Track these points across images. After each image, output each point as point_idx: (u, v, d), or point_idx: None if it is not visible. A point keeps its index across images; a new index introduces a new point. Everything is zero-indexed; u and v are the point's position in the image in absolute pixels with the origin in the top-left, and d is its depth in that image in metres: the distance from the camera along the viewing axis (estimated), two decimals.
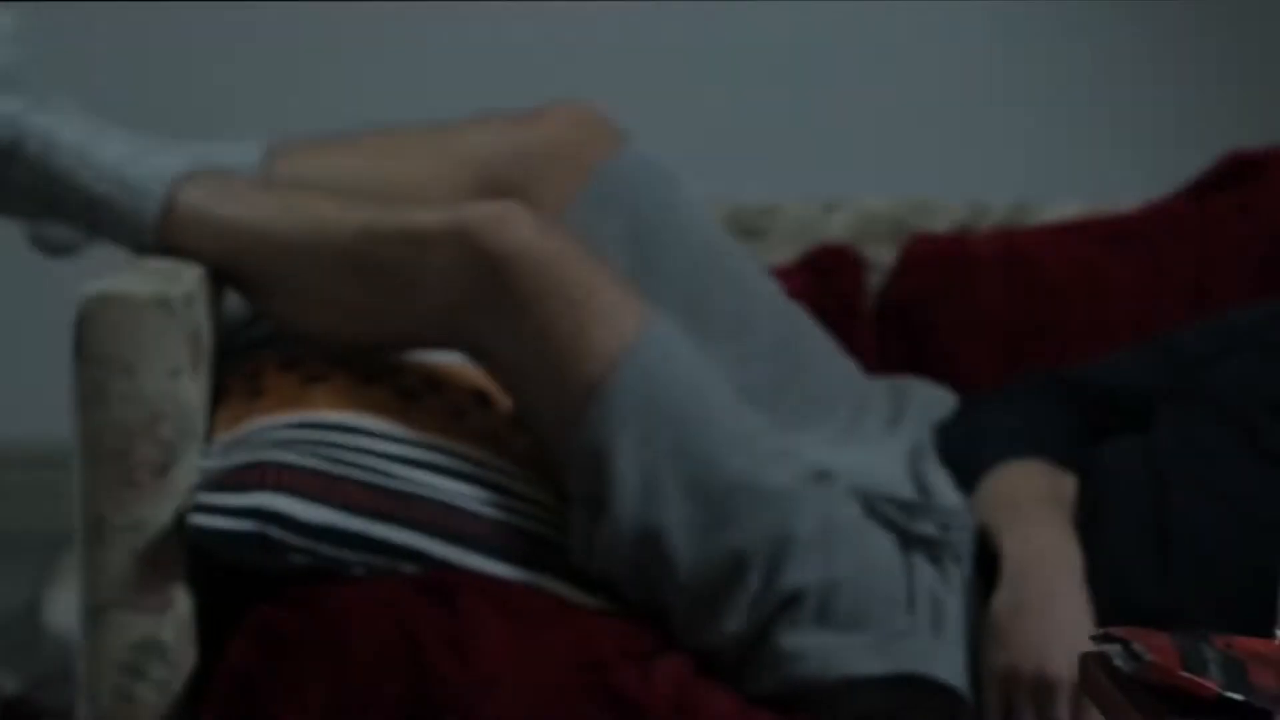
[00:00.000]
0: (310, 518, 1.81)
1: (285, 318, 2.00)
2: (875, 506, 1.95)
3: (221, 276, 2.00)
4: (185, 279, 1.88)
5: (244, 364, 2.03)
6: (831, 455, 2.05)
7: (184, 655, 1.84)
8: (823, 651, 1.86)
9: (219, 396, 2.00)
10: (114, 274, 1.86)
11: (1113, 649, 1.13)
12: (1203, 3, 2.69)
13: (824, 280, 2.38)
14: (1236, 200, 2.37)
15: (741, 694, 1.87)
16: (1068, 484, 2.00)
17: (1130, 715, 1.08)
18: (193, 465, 1.86)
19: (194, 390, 1.85)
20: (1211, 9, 2.69)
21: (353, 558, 1.83)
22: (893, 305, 2.39)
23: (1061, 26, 2.71)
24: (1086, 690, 1.16)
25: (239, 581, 1.87)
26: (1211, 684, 1.06)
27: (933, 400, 2.19)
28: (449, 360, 2.07)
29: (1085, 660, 1.16)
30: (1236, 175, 2.39)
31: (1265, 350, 2.09)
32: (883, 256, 2.44)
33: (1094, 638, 1.15)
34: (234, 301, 2.10)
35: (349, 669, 1.77)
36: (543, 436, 1.93)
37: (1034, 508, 1.93)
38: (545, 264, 1.86)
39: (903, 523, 1.94)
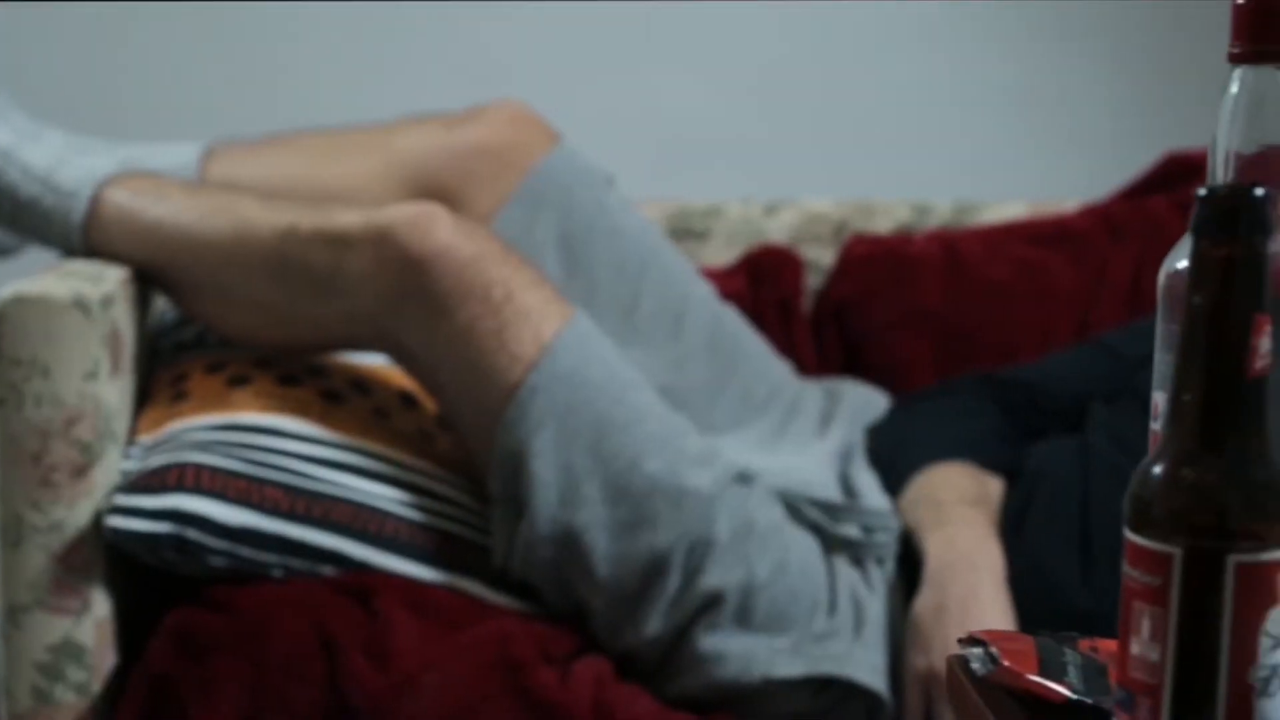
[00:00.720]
0: (228, 520, 1.80)
1: (210, 319, 2.00)
2: (799, 508, 1.94)
3: (148, 278, 2.00)
4: (106, 281, 1.88)
5: (171, 366, 2.03)
6: (760, 457, 2.05)
7: (103, 657, 1.83)
8: (742, 653, 1.86)
9: (145, 398, 2.00)
10: (33, 276, 1.86)
11: (973, 652, 1.12)
12: (1143, 4, 2.68)
13: (763, 281, 2.38)
14: (1175, 200, 2.36)
15: (662, 696, 1.86)
16: (995, 486, 1.99)
17: (985, 718, 1.08)
18: (113, 467, 1.86)
19: (113, 392, 1.85)
20: (1152, 10, 2.68)
21: (272, 560, 1.83)
22: (831, 306, 2.38)
23: (1004, 28, 2.71)
24: (950, 693, 1.16)
25: (162, 583, 1.87)
26: (1062, 688, 1.06)
27: (865, 402, 2.18)
28: (376, 362, 2.07)
29: (949, 663, 1.15)
30: (1175, 175, 2.39)
31: None
32: (825, 257, 2.44)
33: (960, 641, 1.15)
34: (166, 303, 2.10)
35: (265, 671, 1.77)
36: (464, 438, 1.93)
37: (958, 509, 1.93)
38: (464, 265, 1.86)
39: (826, 525, 1.94)
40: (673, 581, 1.85)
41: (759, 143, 2.65)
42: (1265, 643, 0.93)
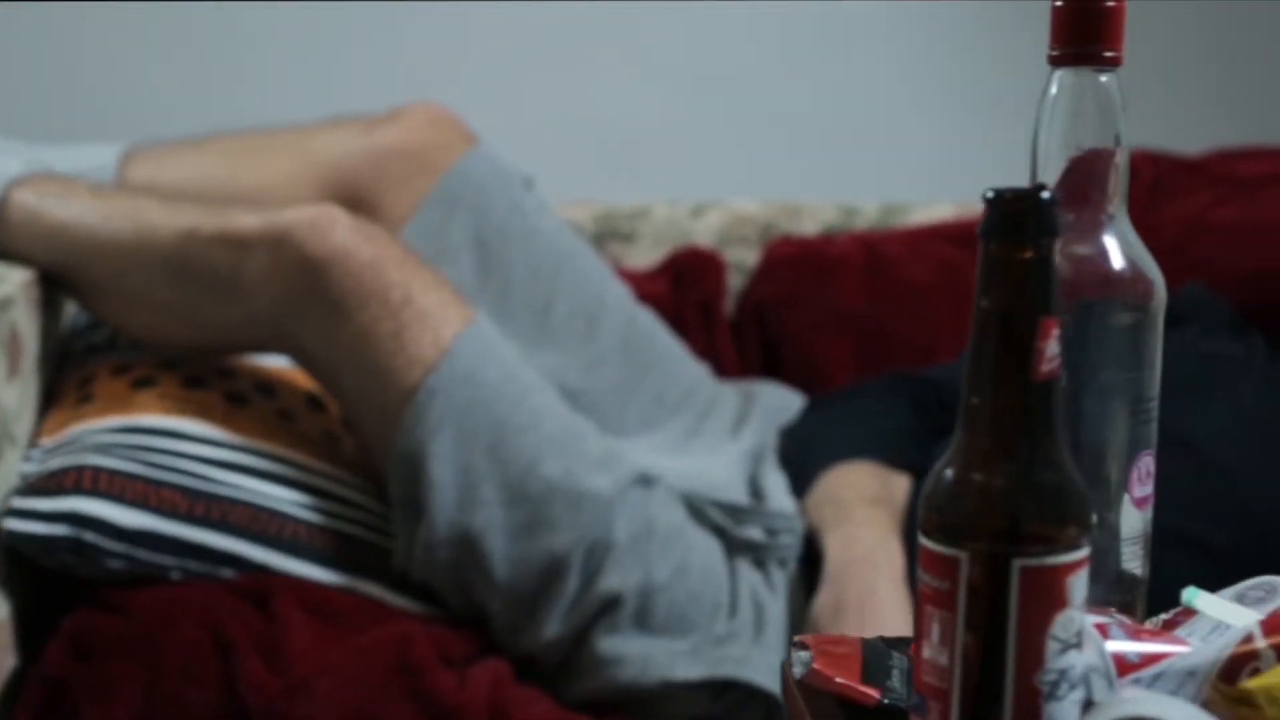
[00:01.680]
0: (126, 522, 1.80)
1: (116, 321, 2.00)
2: (702, 511, 1.94)
3: (55, 280, 2.00)
4: (5, 283, 1.88)
5: (81, 368, 2.03)
6: (669, 458, 2.05)
7: (1, 660, 1.83)
8: (641, 656, 1.86)
9: (52, 400, 2.00)
10: None
11: (798, 655, 1.12)
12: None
13: (685, 283, 2.38)
14: None
15: (562, 698, 1.86)
16: (900, 485, 1.99)
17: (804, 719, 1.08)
18: (12, 470, 1.85)
19: (11, 395, 1.85)
20: None
21: (170, 562, 1.83)
22: (753, 307, 2.38)
23: (932, 31, 2.70)
24: (783, 695, 1.15)
25: (62, 586, 1.87)
26: (872, 691, 1.06)
27: (780, 403, 2.18)
28: (284, 364, 2.07)
29: (783, 667, 1.15)
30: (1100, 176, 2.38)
31: None
32: (751, 259, 2.44)
33: (791, 643, 1.15)
34: (78, 306, 2.10)
35: (160, 674, 1.77)
36: (366, 440, 1.93)
37: (859, 509, 1.93)
38: (363, 268, 1.86)
39: (729, 527, 1.93)
40: (571, 584, 1.85)
41: (687, 144, 2.64)
42: (1053, 646, 0.92)
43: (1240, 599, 1.08)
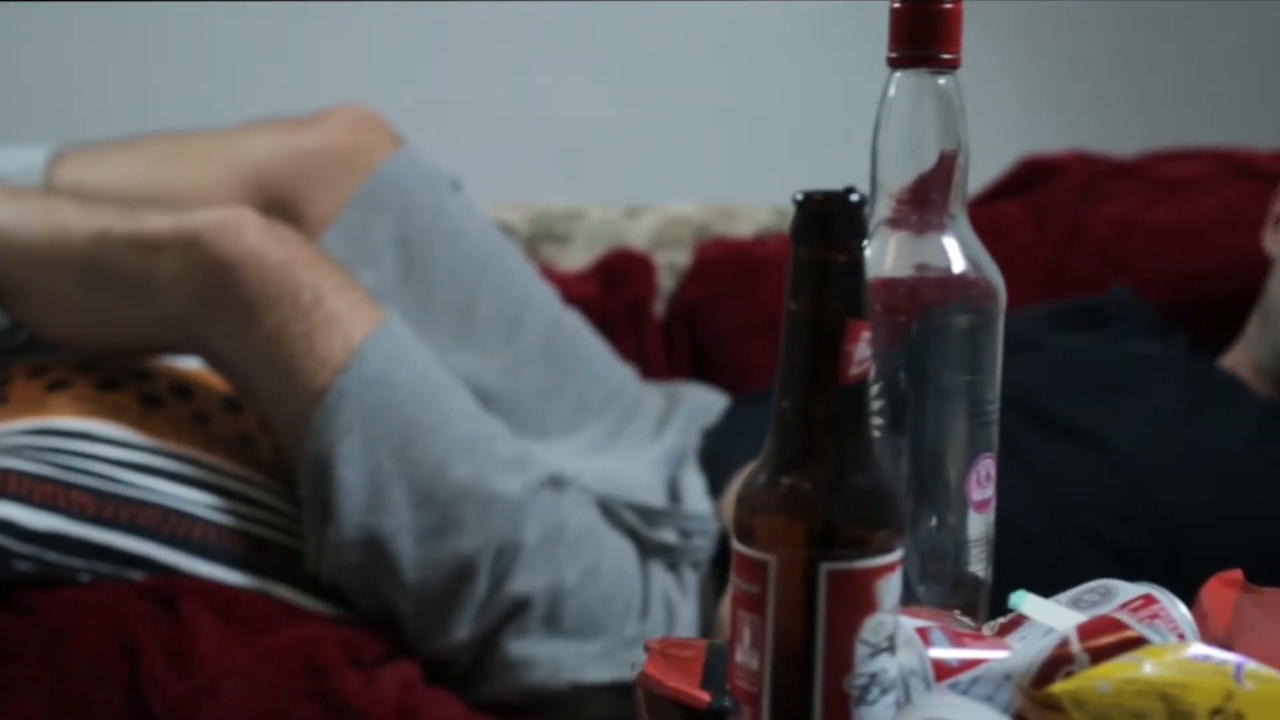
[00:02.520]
0: (34, 524, 1.80)
1: (32, 324, 2.00)
2: (617, 513, 1.94)
3: None
4: None
5: None
6: (588, 460, 2.05)
7: None
8: (551, 658, 1.86)
9: None
10: None
11: (639, 660, 1.12)
12: (1003, 5, 2.68)
13: (615, 285, 2.38)
14: (1029, 205, 2.36)
15: (473, 700, 1.86)
16: None
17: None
18: None
19: None
20: (1012, 11, 2.68)
21: (79, 564, 1.83)
22: (683, 309, 2.38)
23: (869, 33, 2.70)
24: (635, 699, 1.15)
25: None
26: (702, 695, 1.06)
27: (704, 404, 2.18)
28: (202, 365, 2.07)
29: (635, 670, 1.15)
30: (1030, 180, 2.38)
31: (1024, 353, 2.08)
32: (685, 261, 2.44)
33: (646, 648, 1.15)
34: None
35: (66, 676, 1.77)
36: (278, 442, 1.93)
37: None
38: (272, 270, 1.86)
39: (642, 530, 1.93)
40: (480, 586, 1.85)
41: (623, 147, 2.64)
42: (862, 651, 0.92)
43: (1076, 603, 1.08)
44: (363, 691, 1.81)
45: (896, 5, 1.06)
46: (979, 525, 1.10)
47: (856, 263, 0.92)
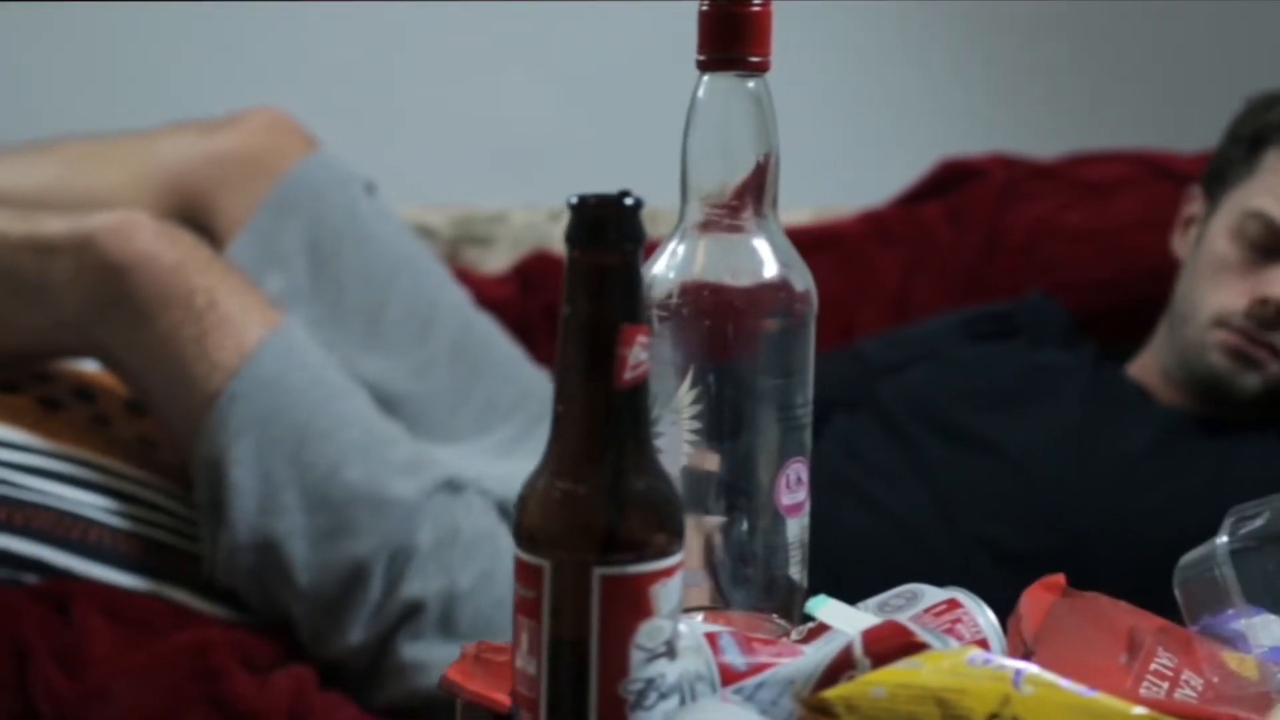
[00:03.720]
0: None
1: None
2: None
3: None
4: None
5: None
6: (495, 463, 2.04)
7: None
8: (446, 662, 1.83)
9: None
10: None
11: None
12: (922, 6, 2.67)
13: (533, 288, 2.37)
14: (948, 208, 2.35)
15: (369, 704, 1.86)
16: None
17: None
18: None
19: None
20: (931, 12, 2.67)
21: None
22: None
23: (800, 34, 2.69)
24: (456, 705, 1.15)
25: None
26: (503, 698, 1.05)
27: None
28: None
29: None
30: (949, 181, 2.38)
31: (933, 362, 2.08)
32: None
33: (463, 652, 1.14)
34: None
35: None
36: (176, 445, 1.93)
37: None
38: (166, 272, 1.86)
39: None
40: (374, 590, 1.85)
41: (548, 148, 2.64)
42: (638, 656, 0.92)
43: (883, 607, 1.08)
44: (255, 695, 1.80)
45: (704, 8, 1.06)
46: (792, 529, 1.10)
47: (631, 267, 0.92)
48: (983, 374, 2.04)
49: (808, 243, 2.35)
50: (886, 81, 2.70)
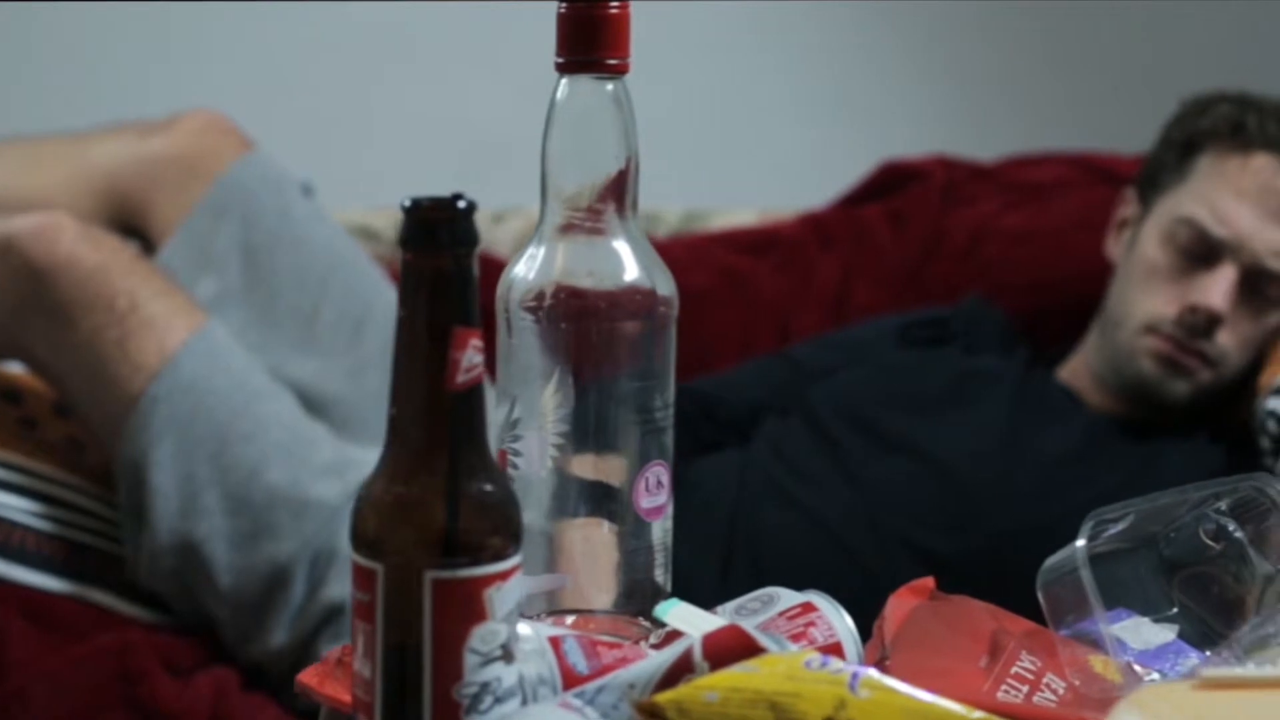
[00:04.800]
0: None
1: None
2: None
3: None
4: None
5: None
6: None
7: None
8: None
9: None
10: None
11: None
12: (864, 7, 2.67)
13: None
14: (889, 209, 2.35)
15: (293, 706, 1.86)
16: None
17: None
18: None
19: None
20: (874, 13, 2.67)
21: None
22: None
23: (747, 33, 2.70)
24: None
25: None
26: (346, 697, 1.05)
27: None
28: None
29: None
30: (890, 184, 2.37)
31: (864, 366, 2.08)
32: None
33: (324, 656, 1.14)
34: None
35: None
36: (101, 448, 1.93)
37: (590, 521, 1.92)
38: (88, 275, 1.86)
39: None
40: (296, 592, 1.85)
41: (492, 150, 2.63)
42: (472, 659, 0.92)
43: (740, 610, 1.08)
44: (176, 697, 1.81)
45: (562, 10, 1.06)
46: (655, 532, 1.10)
47: (465, 270, 0.92)
48: (911, 379, 2.04)
49: (747, 244, 2.38)
50: (830, 84, 2.70)
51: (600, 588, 1.09)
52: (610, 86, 1.07)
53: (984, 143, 2.46)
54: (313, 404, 1.99)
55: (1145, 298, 1.97)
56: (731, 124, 2.68)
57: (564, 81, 1.07)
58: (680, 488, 1.99)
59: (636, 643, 1.06)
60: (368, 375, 2.12)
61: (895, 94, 2.67)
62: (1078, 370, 2.06)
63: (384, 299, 2.17)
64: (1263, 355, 1.96)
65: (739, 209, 2.49)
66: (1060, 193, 2.32)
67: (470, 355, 0.91)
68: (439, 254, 0.91)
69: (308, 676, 1.05)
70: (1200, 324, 1.93)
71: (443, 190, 2.62)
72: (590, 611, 1.09)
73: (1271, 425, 1.87)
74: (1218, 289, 1.93)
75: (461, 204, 0.92)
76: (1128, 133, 2.29)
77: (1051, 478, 1.91)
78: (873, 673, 0.93)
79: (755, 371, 2.16)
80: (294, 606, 1.85)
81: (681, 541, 1.93)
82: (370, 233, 2.41)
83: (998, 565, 1.83)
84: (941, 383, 2.03)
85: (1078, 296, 2.18)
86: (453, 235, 0.92)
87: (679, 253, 2.36)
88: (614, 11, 1.06)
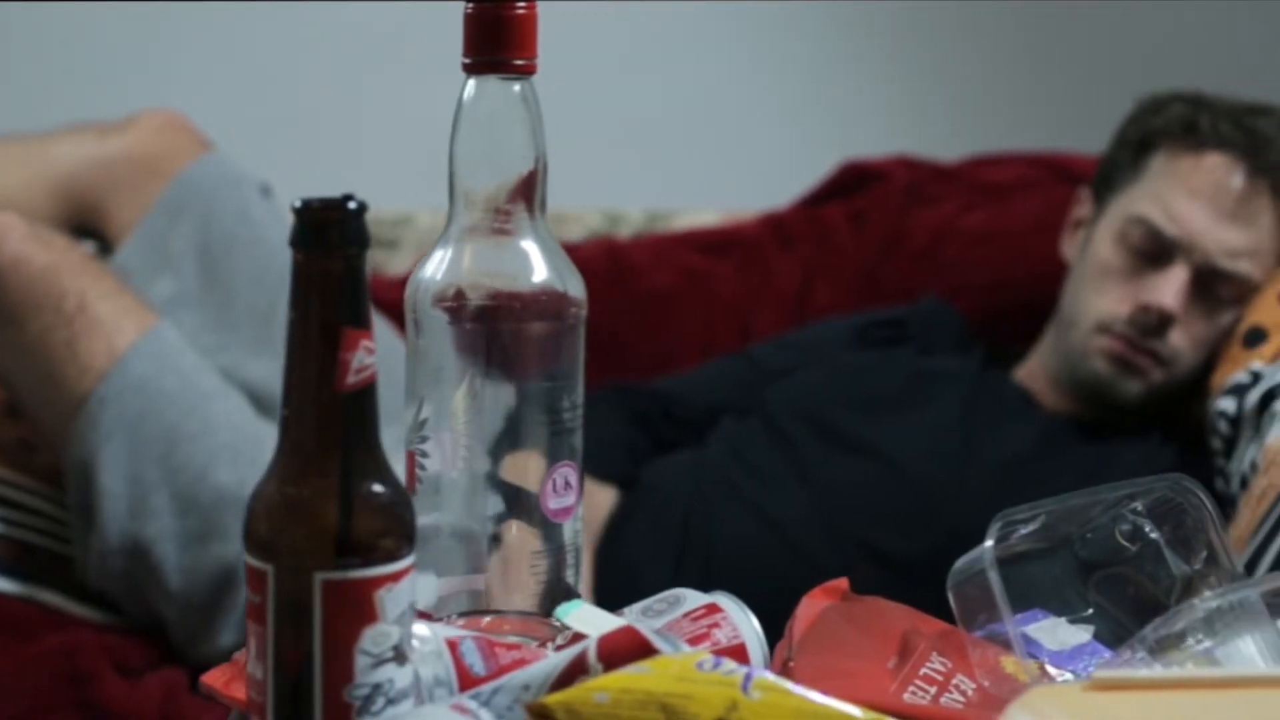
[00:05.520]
0: None
1: None
2: None
3: None
4: None
5: None
6: None
7: None
8: None
9: None
10: None
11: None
12: (829, 7, 2.67)
13: None
14: (850, 209, 2.34)
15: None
16: (603, 495, 1.99)
17: None
18: None
19: None
20: (836, 13, 2.67)
21: None
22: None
23: (703, 34, 2.69)
24: None
25: None
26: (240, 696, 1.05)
27: None
28: None
29: None
30: (851, 184, 2.37)
31: (820, 367, 2.08)
32: None
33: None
34: None
35: None
36: (51, 449, 1.93)
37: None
38: (36, 276, 1.86)
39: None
40: (245, 593, 1.84)
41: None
42: (363, 661, 0.91)
43: (646, 611, 1.07)
44: (124, 698, 1.80)
45: (468, 10, 1.05)
46: (565, 533, 1.09)
47: (355, 270, 0.92)
48: (868, 379, 2.04)
49: (708, 245, 2.38)
50: (795, 84, 2.69)
51: (512, 589, 1.09)
52: (518, 87, 1.07)
53: (947, 143, 2.46)
54: (268, 404, 1.99)
55: (1098, 297, 1.97)
56: (695, 124, 2.68)
57: (471, 82, 1.07)
58: (636, 487, 2.02)
59: (545, 644, 1.06)
60: None
61: (860, 94, 2.66)
62: (1033, 371, 2.06)
63: None
64: (1215, 355, 1.95)
65: (702, 209, 2.48)
66: (1022, 193, 2.32)
67: (361, 356, 0.91)
68: (329, 255, 0.91)
69: (212, 677, 1.05)
70: (1152, 323, 1.93)
71: (402, 192, 2.62)
72: (502, 613, 1.09)
73: (1222, 425, 1.87)
74: (1170, 288, 1.92)
75: (352, 205, 0.91)
76: (1091, 133, 2.29)
77: (1006, 477, 1.90)
78: (766, 674, 0.93)
79: (714, 371, 2.16)
80: (243, 607, 1.84)
81: (636, 540, 1.95)
82: None
83: (952, 565, 1.84)
84: (897, 383, 2.03)
85: (1038, 297, 2.18)
86: (343, 236, 0.91)
87: (641, 253, 2.36)
88: (520, 12, 1.06)
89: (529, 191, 1.08)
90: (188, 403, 1.87)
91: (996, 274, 2.25)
